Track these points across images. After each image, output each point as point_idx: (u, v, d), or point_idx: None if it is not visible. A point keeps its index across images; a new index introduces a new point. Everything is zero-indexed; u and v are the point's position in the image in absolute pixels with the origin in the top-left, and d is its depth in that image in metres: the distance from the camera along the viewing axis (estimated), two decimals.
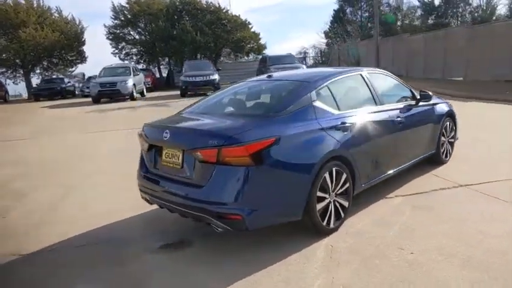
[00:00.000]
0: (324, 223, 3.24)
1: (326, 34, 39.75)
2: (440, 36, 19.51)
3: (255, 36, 33.08)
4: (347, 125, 3.48)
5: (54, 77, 28.80)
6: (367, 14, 37.52)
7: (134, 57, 32.02)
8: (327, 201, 3.26)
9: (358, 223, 3.54)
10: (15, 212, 4.52)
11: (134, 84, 18.06)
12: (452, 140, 5.42)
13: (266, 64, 19.37)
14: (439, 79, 18.06)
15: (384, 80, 4.45)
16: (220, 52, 32.34)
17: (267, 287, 2.64)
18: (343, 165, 3.38)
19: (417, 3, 37.25)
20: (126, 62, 29.82)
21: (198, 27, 29.35)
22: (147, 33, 31.19)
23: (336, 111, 3.53)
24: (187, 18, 30.15)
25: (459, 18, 36.43)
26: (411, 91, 4.73)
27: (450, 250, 2.94)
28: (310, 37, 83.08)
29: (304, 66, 19.06)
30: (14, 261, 3.31)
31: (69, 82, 27.17)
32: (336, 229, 3.36)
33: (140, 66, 29.12)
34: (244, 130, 2.90)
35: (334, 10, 38.60)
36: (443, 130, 5.11)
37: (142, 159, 3.63)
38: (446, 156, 5.27)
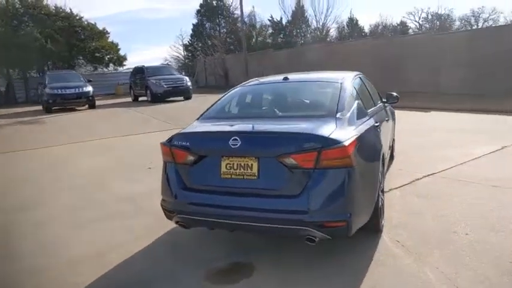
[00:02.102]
0: (380, 220, 3.29)
1: (186, 47, 39.87)
2: (302, 52, 21.83)
3: (114, 47, 30.82)
4: (377, 123, 3.62)
5: None
6: (224, 30, 39.19)
7: None
8: (380, 198, 3.31)
9: (390, 217, 3.69)
10: None
11: None
12: (394, 138, 6.15)
13: (144, 75, 18.26)
14: None
15: (368, 83, 4.77)
16: (74, 62, 28.96)
17: None
18: (381, 162, 3.50)
19: (268, 23, 40.78)
20: None
21: (48, 34, 25.66)
22: None
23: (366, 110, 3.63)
24: (32, 24, 26.01)
25: (302, 38, 41.36)
26: (378, 92, 5.22)
27: (493, 226, 3.33)
28: (161, 50, 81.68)
29: (187, 78, 18.69)
30: None
31: None
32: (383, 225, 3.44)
33: None
34: (334, 130, 2.73)
35: (193, 24, 39.05)
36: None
37: (175, 175, 3.00)
38: (393, 151, 5.95)
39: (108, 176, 5.95)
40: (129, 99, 20.56)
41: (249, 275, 2.83)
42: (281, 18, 40.26)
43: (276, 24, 40.47)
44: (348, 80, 3.70)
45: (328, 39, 41.07)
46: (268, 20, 40.51)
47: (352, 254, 3.02)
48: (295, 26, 40.56)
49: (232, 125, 3.06)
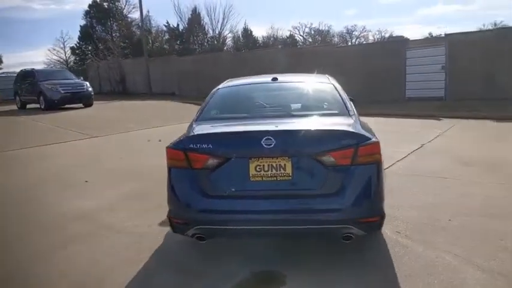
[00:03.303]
0: None
1: (73, 50, 36.40)
2: (209, 59, 21.78)
3: None
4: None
5: None
6: (117, 34, 36.88)
7: None
8: None
9: None
10: None
11: None
12: None
13: (34, 79, 16.04)
14: None
15: None
16: None
17: (419, 279, 2.66)
18: None
19: (164, 28, 39.75)
20: None
21: None
22: None
23: None
24: None
25: (200, 46, 41.31)
26: None
27: (461, 212, 3.78)
28: (37, 53, 72.48)
29: (87, 83, 16.92)
30: None
31: None
32: None
33: None
34: (360, 127, 2.78)
35: (81, 26, 35.89)
36: None
37: (191, 182, 2.70)
38: None
39: (44, 192, 5.09)
40: (12, 106, 17.87)
41: (283, 282, 2.69)
42: (178, 25, 39.64)
43: (172, 31, 39.69)
44: (335, 81, 3.82)
45: (225, 48, 41.78)
46: (165, 25, 39.62)
47: (369, 250, 3.11)
48: (192, 33, 40.33)
49: (259, 125, 2.86)
